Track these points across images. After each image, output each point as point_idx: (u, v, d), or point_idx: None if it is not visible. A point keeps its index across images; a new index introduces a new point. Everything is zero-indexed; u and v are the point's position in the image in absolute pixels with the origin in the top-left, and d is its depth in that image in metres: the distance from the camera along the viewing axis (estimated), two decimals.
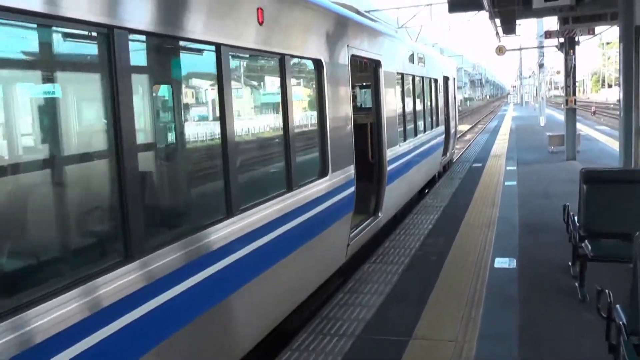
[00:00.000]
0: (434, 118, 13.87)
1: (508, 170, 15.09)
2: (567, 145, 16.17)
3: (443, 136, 15.20)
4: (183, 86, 4.35)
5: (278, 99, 5.28)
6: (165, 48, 3.93)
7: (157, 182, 4.10)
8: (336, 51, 6.61)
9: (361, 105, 10.98)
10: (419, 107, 11.84)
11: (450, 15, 34.25)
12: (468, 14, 31.34)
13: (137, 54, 3.38)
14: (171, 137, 4.35)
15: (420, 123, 12.04)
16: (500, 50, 18.66)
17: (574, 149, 16.06)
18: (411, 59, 11.09)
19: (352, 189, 7.01)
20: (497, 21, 18.51)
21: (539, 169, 15.03)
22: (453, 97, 17.54)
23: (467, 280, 6.42)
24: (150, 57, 3.83)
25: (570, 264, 6.54)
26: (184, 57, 4.18)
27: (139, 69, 3.61)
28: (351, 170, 7.00)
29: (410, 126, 10.87)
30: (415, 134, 11.28)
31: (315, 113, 6.20)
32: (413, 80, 11.32)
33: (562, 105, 16.69)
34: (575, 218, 6.29)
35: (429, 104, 13.37)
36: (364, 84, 10.50)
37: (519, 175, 13.94)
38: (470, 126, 48.02)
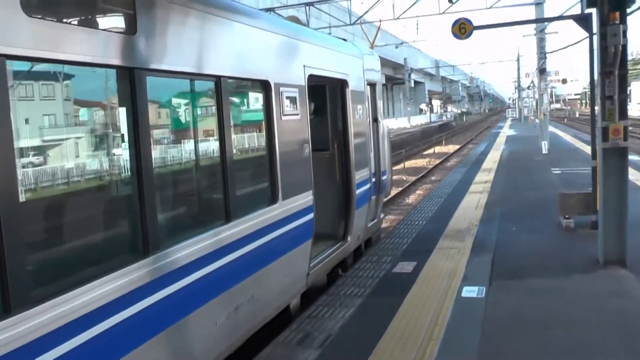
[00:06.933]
0: (234, 194, 4.79)
1: (459, 310, 5.89)
2: (606, 229, 6.98)
3: (311, 216, 6.21)
4: None
5: None
6: None
7: None
8: None
9: None
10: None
11: (420, 8, 25.76)
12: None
13: None
14: None
15: None
16: (462, 30, 9.54)
17: (621, 239, 6.90)
18: None
19: None
20: None
21: (550, 319, 5.63)
22: (366, 122, 8.42)
23: None
24: None
25: None
26: None
27: None
28: None
29: None
30: None
31: None
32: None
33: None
34: None
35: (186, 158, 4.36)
36: None
37: None
38: (458, 147, 39.00)
